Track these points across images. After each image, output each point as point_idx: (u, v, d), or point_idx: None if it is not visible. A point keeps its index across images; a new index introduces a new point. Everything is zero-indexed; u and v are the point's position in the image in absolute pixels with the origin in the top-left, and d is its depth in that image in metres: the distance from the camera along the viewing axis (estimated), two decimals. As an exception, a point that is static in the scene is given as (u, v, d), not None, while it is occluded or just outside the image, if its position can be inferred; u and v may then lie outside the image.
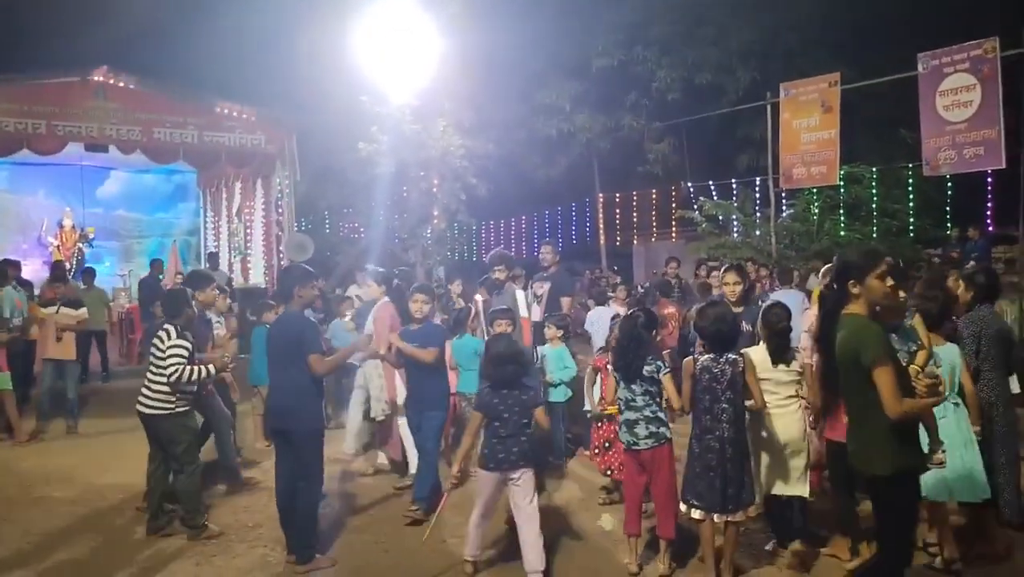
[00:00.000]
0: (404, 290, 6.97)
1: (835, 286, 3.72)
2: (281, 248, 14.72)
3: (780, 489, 4.89)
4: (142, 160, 14.73)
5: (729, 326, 4.70)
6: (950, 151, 11.34)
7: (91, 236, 17.76)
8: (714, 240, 14.93)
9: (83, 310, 8.89)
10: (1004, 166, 11.09)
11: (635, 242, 19.38)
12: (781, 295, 8.00)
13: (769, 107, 13.59)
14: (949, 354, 4.82)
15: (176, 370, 5.30)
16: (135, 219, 18.81)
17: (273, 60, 15.45)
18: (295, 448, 5.05)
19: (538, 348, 7.19)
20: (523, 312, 7.24)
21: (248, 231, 16.10)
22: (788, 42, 16.09)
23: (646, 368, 4.87)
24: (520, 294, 7.43)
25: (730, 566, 4.66)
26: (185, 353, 5.38)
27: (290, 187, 14.87)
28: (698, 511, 4.62)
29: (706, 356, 4.69)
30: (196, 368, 5.45)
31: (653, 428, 4.85)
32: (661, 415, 4.90)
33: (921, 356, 4.57)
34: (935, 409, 4.66)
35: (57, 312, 8.57)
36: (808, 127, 12.98)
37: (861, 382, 3.48)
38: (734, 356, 4.66)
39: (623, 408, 4.96)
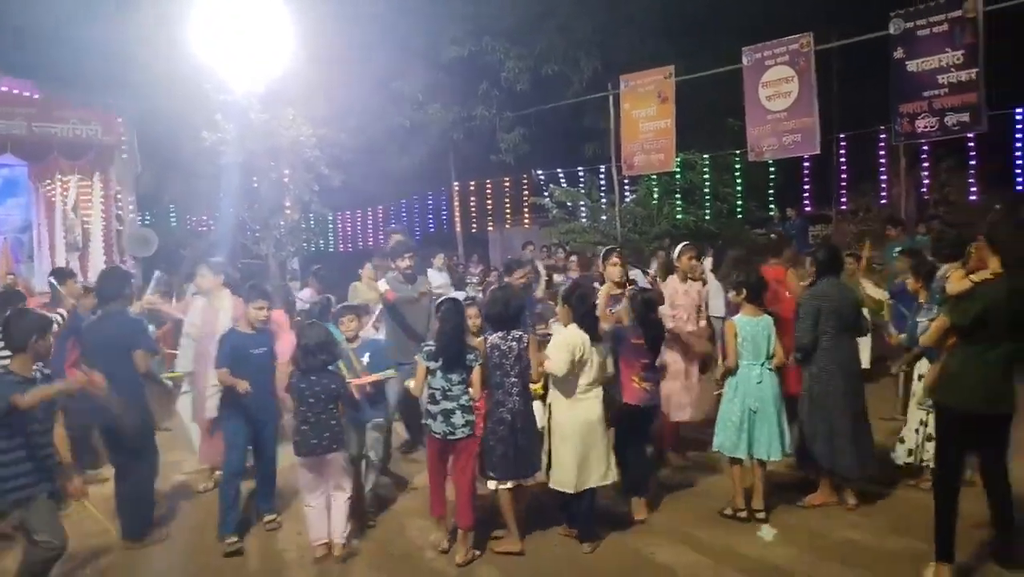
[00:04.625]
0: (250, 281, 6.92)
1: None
2: (122, 243, 14.07)
3: (587, 483, 5.08)
4: (-37, 155, 13.64)
5: (509, 308, 5.06)
6: (772, 139, 12.32)
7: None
8: (564, 225, 15.55)
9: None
10: (819, 152, 12.22)
11: (491, 228, 19.79)
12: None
13: (611, 98, 14.28)
14: (765, 324, 5.45)
15: None
16: (-41, 217, 17.34)
17: (110, 46, 14.61)
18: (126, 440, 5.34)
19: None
20: (453, 292, 7.34)
21: (86, 226, 15.24)
22: (628, 34, 16.85)
23: (468, 356, 5.07)
24: (435, 275, 7.43)
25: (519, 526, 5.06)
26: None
27: (131, 179, 14.21)
28: (494, 481, 5.00)
29: (495, 335, 5.03)
30: None
31: (469, 417, 5.01)
32: (471, 404, 5.07)
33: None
34: (751, 372, 5.36)
35: None
36: (646, 117, 13.74)
37: None
38: (520, 333, 5.06)
39: (439, 397, 4.99)
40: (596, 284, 6.53)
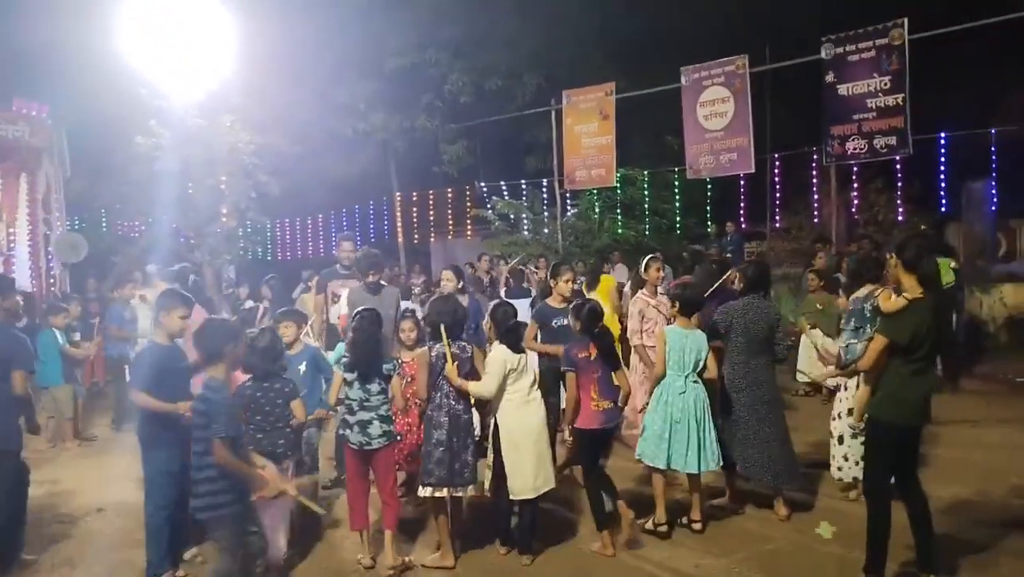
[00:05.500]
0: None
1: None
2: (50, 249, 13.60)
3: (541, 488, 5.04)
4: None
5: (456, 317, 5.09)
6: (709, 156, 12.61)
7: None
8: (507, 237, 15.61)
9: None
10: (754, 170, 12.54)
11: (432, 239, 19.75)
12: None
13: (553, 113, 14.42)
14: (695, 338, 5.54)
15: None
16: None
17: (40, 46, 14.16)
18: None
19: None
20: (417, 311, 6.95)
21: (11, 231, 14.68)
22: (571, 51, 17.07)
23: (384, 366, 5.06)
24: (395, 292, 7.00)
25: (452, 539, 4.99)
26: None
27: (59, 183, 13.76)
28: (429, 488, 4.92)
29: (438, 345, 5.04)
30: None
31: (386, 427, 5.00)
32: (390, 414, 5.07)
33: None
34: (675, 382, 5.41)
35: None
36: (588, 132, 13.92)
37: None
38: (464, 343, 5.08)
39: (356, 408, 4.96)
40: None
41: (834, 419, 6.03)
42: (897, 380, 4.34)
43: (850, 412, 5.83)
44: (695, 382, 5.40)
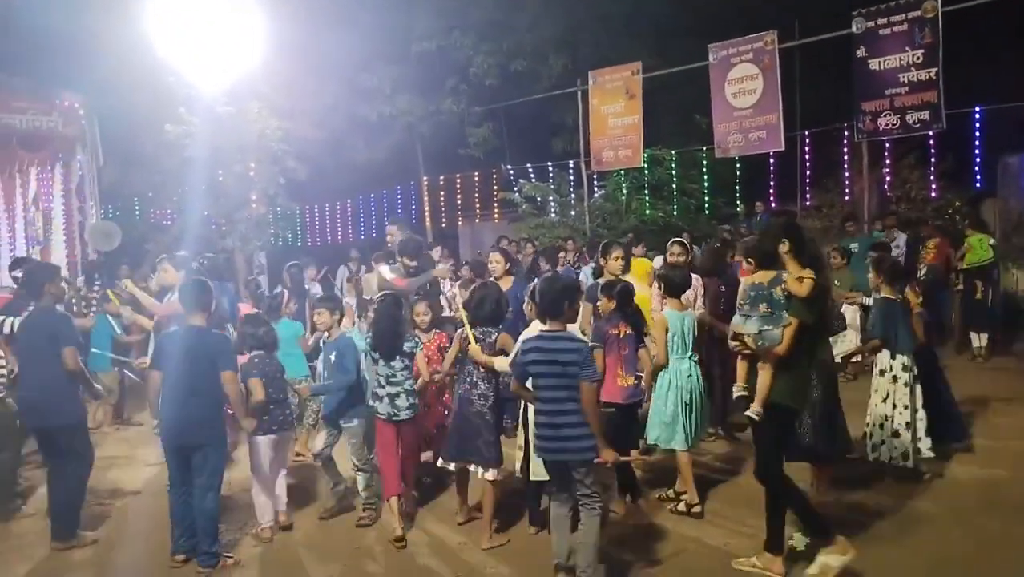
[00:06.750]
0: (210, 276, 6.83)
1: None
2: (85, 237, 13.83)
3: (542, 474, 4.99)
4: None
5: (500, 306, 5.28)
6: (738, 135, 12.50)
7: None
8: (534, 220, 15.61)
9: None
10: (783, 148, 12.39)
11: (460, 223, 19.76)
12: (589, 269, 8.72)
13: (579, 94, 14.34)
14: (690, 318, 5.54)
15: None
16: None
17: (72, 37, 14.35)
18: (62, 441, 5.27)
19: None
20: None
21: (47, 220, 14.96)
22: (596, 32, 16.95)
23: (406, 344, 5.38)
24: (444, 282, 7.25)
25: (489, 521, 5.11)
26: None
27: (92, 172, 13.97)
28: (452, 463, 5.19)
29: (459, 329, 5.28)
30: None
31: (412, 399, 5.38)
32: (414, 388, 5.43)
33: None
34: (681, 366, 5.43)
35: None
36: (614, 113, 13.85)
37: None
38: (490, 329, 5.21)
39: (383, 383, 5.33)
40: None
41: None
42: (804, 364, 4.41)
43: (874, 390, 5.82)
44: (695, 362, 5.46)
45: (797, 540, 4.87)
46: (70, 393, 5.29)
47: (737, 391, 4.67)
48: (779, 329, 4.26)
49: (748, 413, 4.47)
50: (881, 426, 5.78)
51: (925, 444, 5.75)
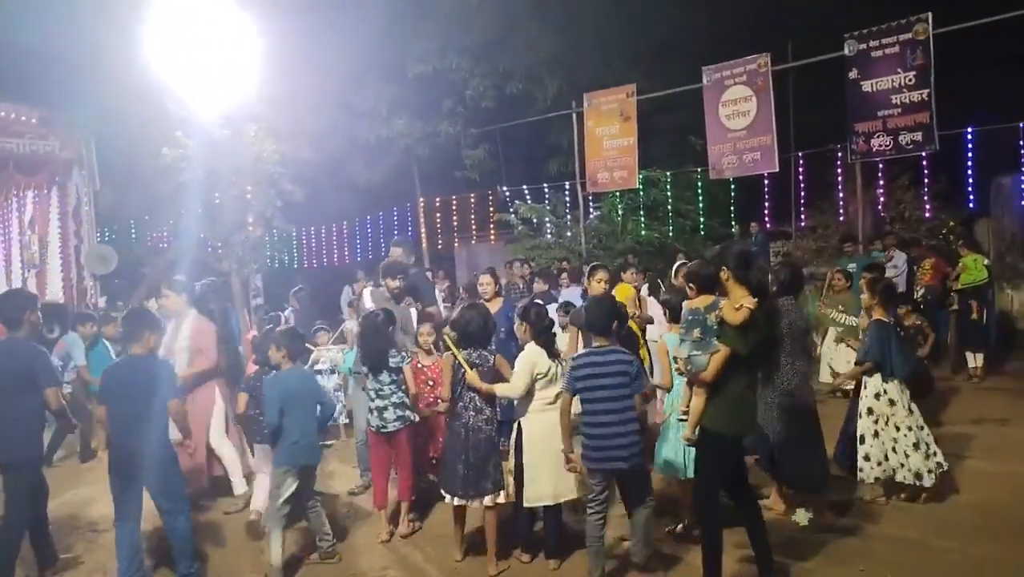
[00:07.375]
0: (217, 300, 6.84)
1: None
2: (81, 260, 13.82)
3: (564, 494, 4.98)
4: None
5: (487, 326, 5.26)
6: (732, 156, 12.54)
7: None
8: (530, 241, 15.65)
9: None
10: (777, 169, 12.44)
11: (456, 245, 19.79)
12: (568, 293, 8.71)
13: (575, 116, 14.42)
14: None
15: None
16: (-93, 233, 16.85)
17: (68, 61, 14.42)
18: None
19: None
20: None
21: (43, 243, 14.95)
22: (591, 54, 17.06)
23: (392, 360, 5.57)
24: (413, 312, 6.72)
25: (493, 550, 5.04)
26: None
27: (89, 195, 13.98)
28: (449, 496, 5.10)
29: (446, 353, 5.24)
30: None
31: (400, 412, 5.57)
32: (406, 400, 5.60)
33: None
34: (682, 391, 5.36)
35: None
36: (610, 135, 13.91)
37: None
38: (485, 352, 5.15)
39: (374, 396, 5.57)
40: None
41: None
42: (739, 390, 4.31)
43: (869, 412, 5.77)
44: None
45: (800, 516, 4.88)
46: (28, 429, 5.06)
47: (678, 415, 4.67)
48: (706, 356, 4.22)
49: (681, 437, 4.55)
50: (894, 450, 5.69)
51: (940, 456, 5.71)
